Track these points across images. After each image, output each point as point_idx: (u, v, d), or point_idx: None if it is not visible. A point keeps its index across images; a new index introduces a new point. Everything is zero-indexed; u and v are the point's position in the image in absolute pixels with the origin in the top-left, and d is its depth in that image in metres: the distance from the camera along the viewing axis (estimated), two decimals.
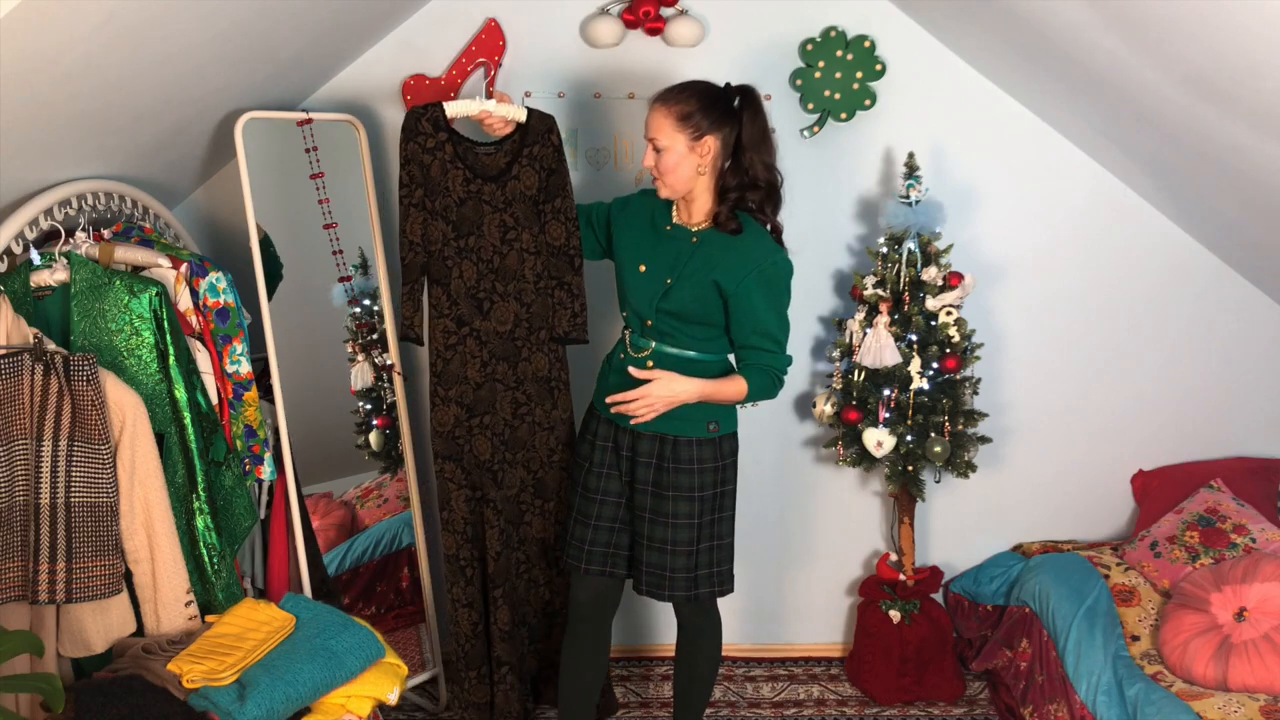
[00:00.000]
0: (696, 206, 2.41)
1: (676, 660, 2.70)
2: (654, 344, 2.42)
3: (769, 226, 2.44)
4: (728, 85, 2.38)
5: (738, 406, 2.51)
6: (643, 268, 2.44)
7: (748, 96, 2.36)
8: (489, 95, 2.51)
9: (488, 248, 2.55)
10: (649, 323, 2.43)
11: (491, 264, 2.56)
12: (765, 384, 2.40)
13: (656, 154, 2.34)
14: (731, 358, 2.48)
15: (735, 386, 2.37)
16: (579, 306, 2.62)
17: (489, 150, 2.54)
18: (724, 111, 2.33)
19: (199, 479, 2.35)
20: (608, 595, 2.58)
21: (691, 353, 2.42)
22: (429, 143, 2.48)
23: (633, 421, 2.37)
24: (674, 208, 2.46)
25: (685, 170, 2.33)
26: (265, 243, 2.65)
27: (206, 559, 2.37)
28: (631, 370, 2.36)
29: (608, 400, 2.39)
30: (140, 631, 2.25)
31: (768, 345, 2.39)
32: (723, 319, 2.40)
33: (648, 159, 2.36)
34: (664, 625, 3.37)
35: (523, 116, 2.52)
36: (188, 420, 2.33)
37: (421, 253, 2.53)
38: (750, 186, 2.37)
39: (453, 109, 2.49)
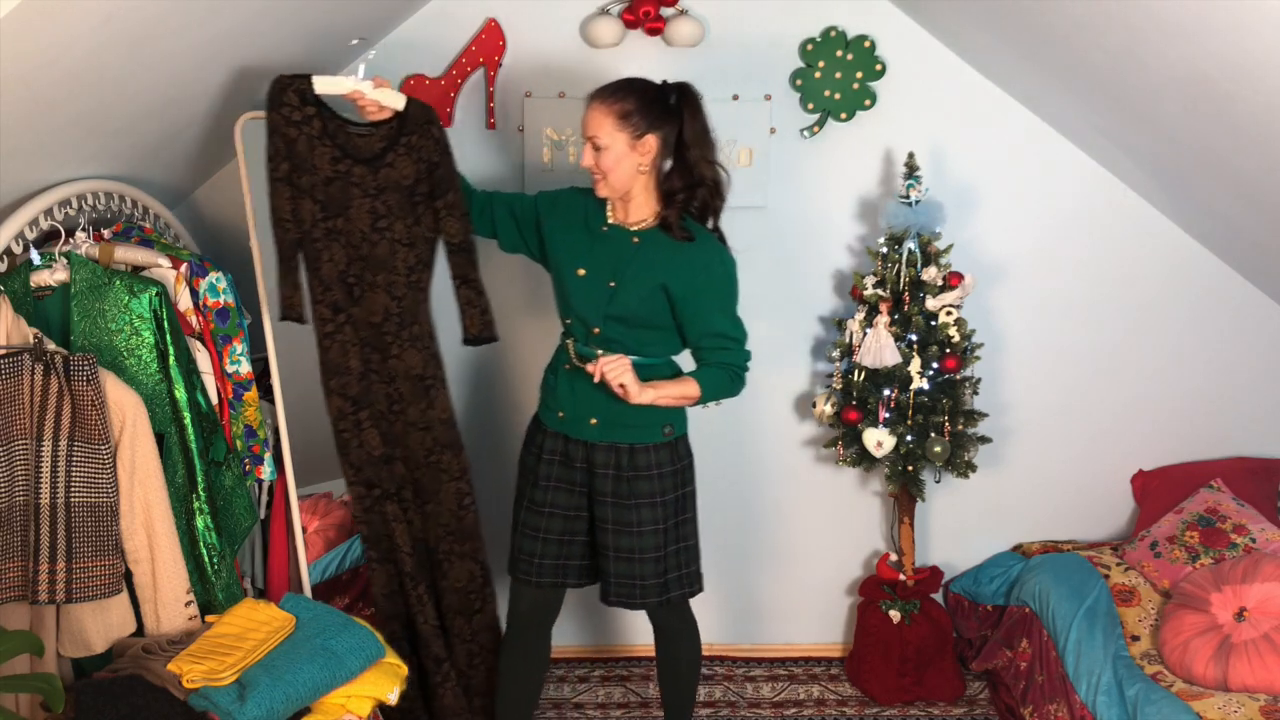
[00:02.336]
0: (635, 206, 2.34)
1: (658, 666, 2.65)
2: (600, 351, 2.34)
3: (710, 226, 2.39)
4: (665, 82, 2.33)
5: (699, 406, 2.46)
6: (582, 271, 2.37)
7: (686, 94, 2.31)
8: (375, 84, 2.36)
9: (356, 233, 2.42)
10: (596, 330, 2.36)
11: (360, 251, 2.44)
12: (722, 381, 2.35)
13: (596, 152, 2.27)
14: (676, 358, 2.44)
15: (685, 389, 2.31)
16: (486, 303, 2.51)
17: (363, 131, 2.41)
18: (664, 109, 2.28)
19: (199, 479, 2.35)
20: (550, 606, 2.54)
21: (637, 357, 2.35)
22: (295, 115, 2.32)
23: (610, 376, 2.24)
24: (609, 206, 2.39)
25: (626, 169, 2.27)
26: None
27: (206, 559, 2.37)
28: (586, 364, 2.31)
29: (588, 369, 2.29)
30: (140, 631, 2.25)
31: (724, 344, 2.35)
32: (670, 320, 2.35)
33: (586, 158, 2.29)
34: None
35: (401, 104, 2.39)
36: (188, 420, 2.33)
37: (294, 229, 2.39)
38: (698, 185, 2.32)
39: (321, 85, 2.34)
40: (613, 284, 2.33)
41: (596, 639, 3.35)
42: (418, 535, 2.63)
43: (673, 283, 2.30)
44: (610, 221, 2.38)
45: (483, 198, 2.55)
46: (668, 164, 2.33)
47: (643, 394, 2.25)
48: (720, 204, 2.38)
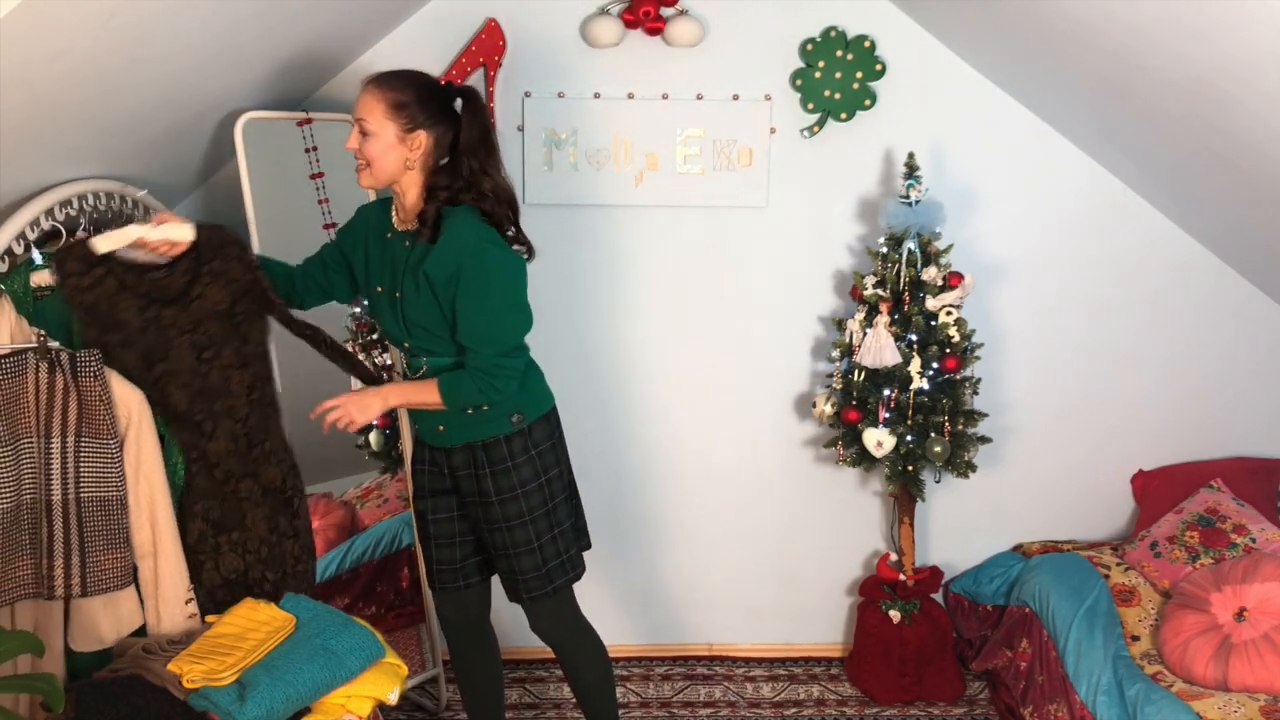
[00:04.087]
0: (409, 204, 2.25)
1: (565, 675, 2.61)
2: (424, 359, 2.29)
3: (509, 234, 2.28)
4: (449, 84, 2.24)
5: (544, 388, 2.42)
6: (380, 289, 2.29)
7: (470, 99, 2.22)
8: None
9: (184, 371, 2.34)
10: (406, 344, 2.30)
11: (194, 386, 2.35)
12: (461, 384, 2.21)
13: (363, 138, 2.18)
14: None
15: (423, 393, 2.24)
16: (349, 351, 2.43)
17: (160, 274, 2.31)
18: (441, 108, 2.20)
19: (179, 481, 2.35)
20: (472, 604, 2.53)
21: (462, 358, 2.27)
22: (84, 280, 2.21)
23: (340, 426, 2.22)
24: (393, 212, 2.30)
25: (390, 161, 2.18)
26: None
27: None
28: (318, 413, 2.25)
29: (311, 416, 2.24)
30: (141, 629, 2.26)
31: (474, 345, 2.20)
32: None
33: (351, 141, 2.20)
34: (662, 623, 3.37)
35: (189, 235, 2.29)
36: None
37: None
38: (464, 189, 2.21)
39: (102, 244, 2.22)
40: (398, 295, 2.25)
41: None
42: None
43: (433, 279, 2.18)
44: (395, 228, 2.29)
45: (301, 270, 2.47)
46: (443, 164, 2.24)
47: (369, 411, 2.22)
48: (509, 213, 2.26)
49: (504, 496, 2.33)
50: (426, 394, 2.24)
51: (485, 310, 2.18)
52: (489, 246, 2.19)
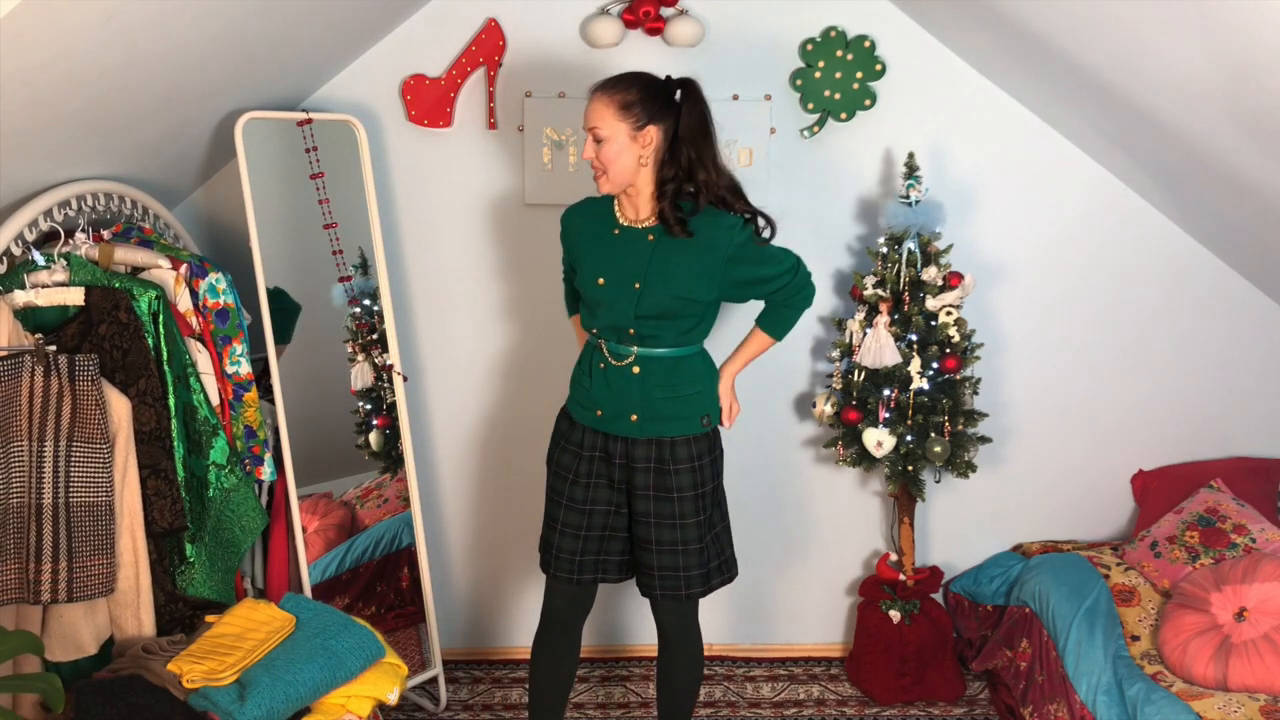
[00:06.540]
0: (641, 201, 2.32)
1: (657, 676, 2.62)
2: (636, 349, 2.35)
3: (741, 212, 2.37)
4: (669, 78, 2.30)
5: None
6: (601, 280, 2.34)
7: (689, 89, 2.29)
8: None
9: None
10: (631, 331, 2.34)
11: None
12: (792, 308, 2.45)
13: (597, 145, 2.26)
14: (706, 344, 2.46)
15: (759, 344, 2.51)
16: (176, 493, 2.31)
17: (52, 337, 2.24)
18: (666, 102, 2.27)
19: (179, 485, 2.35)
20: (585, 601, 2.53)
21: (680, 350, 2.37)
22: None
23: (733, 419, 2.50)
24: (617, 208, 2.38)
25: (627, 161, 2.25)
26: (278, 294, 2.66)
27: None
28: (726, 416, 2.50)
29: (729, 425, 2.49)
30: (111, 640, 2.24)
31: (783, 272, 2.39)
32: (699, 309, 2.34)
33: (588, 151, 2.27)
34: None
35: (78, 299, 2.23)
36: (174, 426, 2.33)
37: None
38: (687, 179, 2.29)
39: None
40: (637, 285, 2.31)
41: (596, 639, 3.35)
42: None
43: (705, 268, 2.30)
44: (622, 224, 2.36)
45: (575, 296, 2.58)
46: (666, 157, 2.30)
47: (731, 384, 2.51)
48: (736, 202, 2.34)
49: (684, 494, 2.38)
50: (759, 345, 2.52)
51: (774, 259, 2.39)
52: (734, 218, 2.33)
